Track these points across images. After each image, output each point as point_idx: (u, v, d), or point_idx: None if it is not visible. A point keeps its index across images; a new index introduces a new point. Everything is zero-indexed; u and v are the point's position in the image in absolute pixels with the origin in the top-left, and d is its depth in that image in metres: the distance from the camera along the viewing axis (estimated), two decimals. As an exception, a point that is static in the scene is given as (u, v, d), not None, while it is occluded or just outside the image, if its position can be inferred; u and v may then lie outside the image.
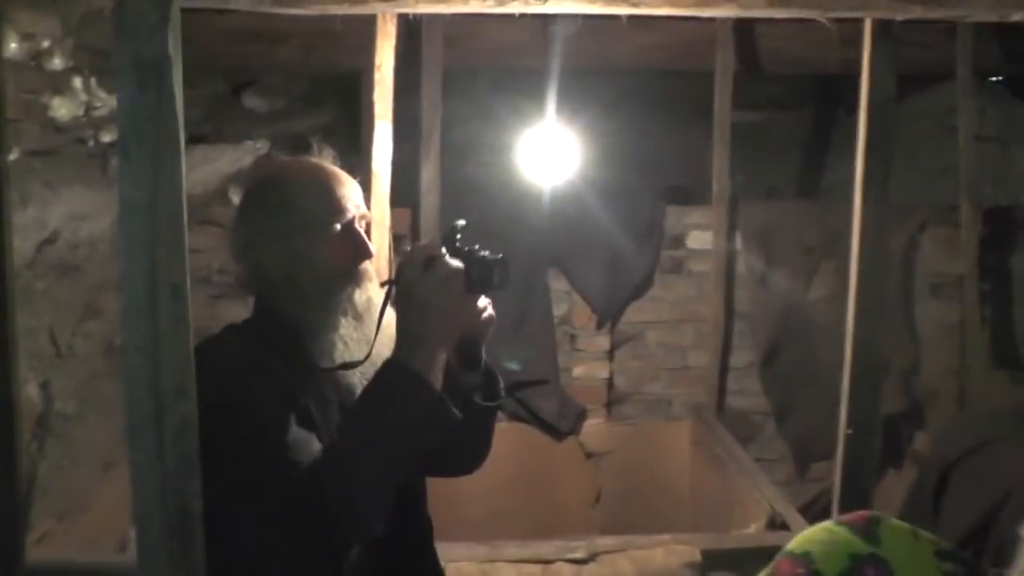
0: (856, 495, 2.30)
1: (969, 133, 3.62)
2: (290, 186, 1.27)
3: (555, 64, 3.45)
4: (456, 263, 1.19)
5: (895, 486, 3.87)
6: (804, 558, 0.88)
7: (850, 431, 2.23)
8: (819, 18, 1.69)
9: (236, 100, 4.34)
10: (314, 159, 1.33)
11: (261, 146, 3.72)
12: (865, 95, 2.11)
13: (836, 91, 4.21)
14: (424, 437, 1.14)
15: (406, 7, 1.77)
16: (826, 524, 0.93)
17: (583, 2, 1.75)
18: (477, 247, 1.23)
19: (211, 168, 3.49)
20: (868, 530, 0.91)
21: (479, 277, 1.21)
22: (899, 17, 1.72)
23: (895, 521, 0.92)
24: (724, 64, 3.62)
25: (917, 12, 1.68)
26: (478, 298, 1.24)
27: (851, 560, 0.87)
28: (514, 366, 3.54)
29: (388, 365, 1.15)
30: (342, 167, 1.33)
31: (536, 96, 3.43)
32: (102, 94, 3.16)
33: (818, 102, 4.41)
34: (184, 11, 1.00)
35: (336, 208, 1.26)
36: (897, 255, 3.81)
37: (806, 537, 0.91)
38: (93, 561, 2.54)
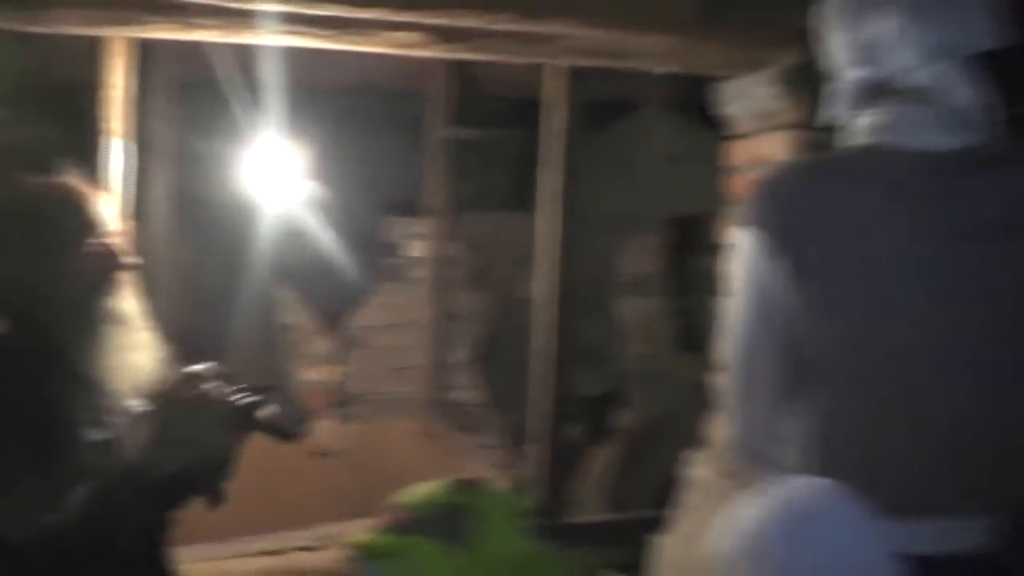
0: (554, 462, 2.70)
1: (661, 154, 4.23)
2: (42, 202, 1.36)
3: (278, 81, 3.59)
4: (222, 397, 1.22)
5: (602, 459, 4.40)
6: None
7: (542, 409, 2.61)
8: (510, 61, 2.01)
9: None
10: (61, 176, 1.42)
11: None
12: (548, 127, 2.48)
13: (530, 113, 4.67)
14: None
15: (140, 32, 1.87)
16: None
17: (291, 35, 1.91)
18: (245, 387, 1.26)
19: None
20: (468, 487, 1.25)
21: (242, 416, 1.23)
22: (581, 63, 2.07)
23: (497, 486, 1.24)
24: (439, 86, 3.94)
25: (595, 62, 2.03)
26: (236, 435, 1.25)
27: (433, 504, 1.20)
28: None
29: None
30: (84, 183, 1.43)
31: (269, 112, 3.55)
32: None
33: (533, 122, 4.86)
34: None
35: (89, 223, 1.37)
36: (603, 257, 4.34)
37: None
38: None
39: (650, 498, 3.27)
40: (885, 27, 1.16)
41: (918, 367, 1.13)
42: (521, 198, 4.87)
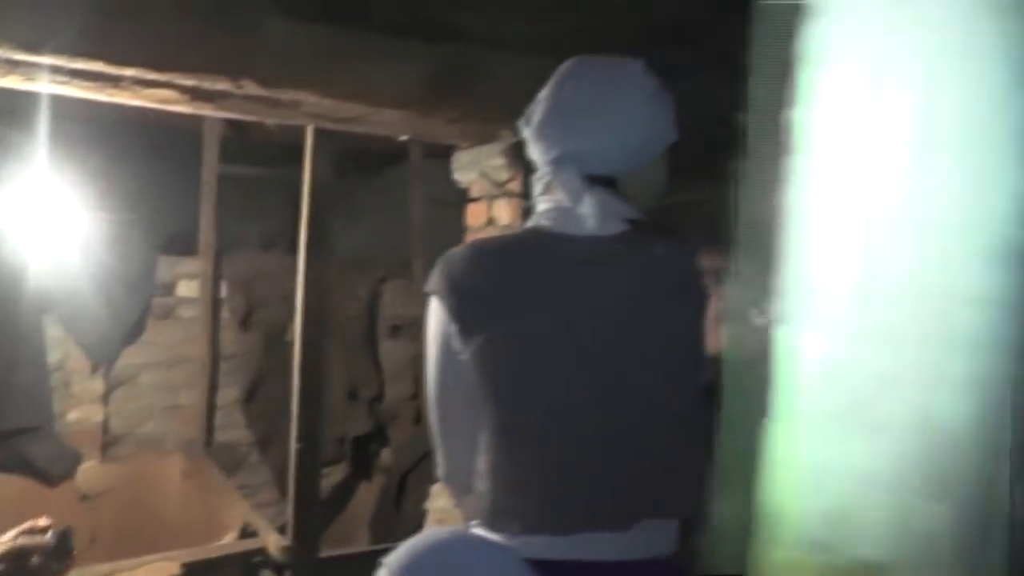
0: (308, 497, 2.83)
1: (420, 198, 4.46)
2: None
3: (49, 115, 3.55)
4: None
5: (367, 495, 4.55)
6: None
7: (299, 445, 2.75)
8: (263, 120, 2.19)
9: None
10: None
11: None
12: (308, 177, 2.67)
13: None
14: None
15: None
16: None
17: (58, 84, 2.01)
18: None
19: None
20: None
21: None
22: (324, 126, 2.28)
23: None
24: (211, 126, 4.03)
25: (337, 126, 2.26)
26: None
27: None
28: None
29: None
30: None
31: (38, 145, 3.49)
32: None
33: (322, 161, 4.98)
34: None
35: None
36: (363, 302, 4.52)
37: None
38: None
39: (410, 531, 3.47)
40: (556, 147, 1.43)
41: (570, 416, 1.39)
42: (290, 240, 4.99)
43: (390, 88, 1.91)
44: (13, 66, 1.89)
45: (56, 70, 1.92)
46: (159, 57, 1.84)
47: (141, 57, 1.83)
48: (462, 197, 2.44)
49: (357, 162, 4.39)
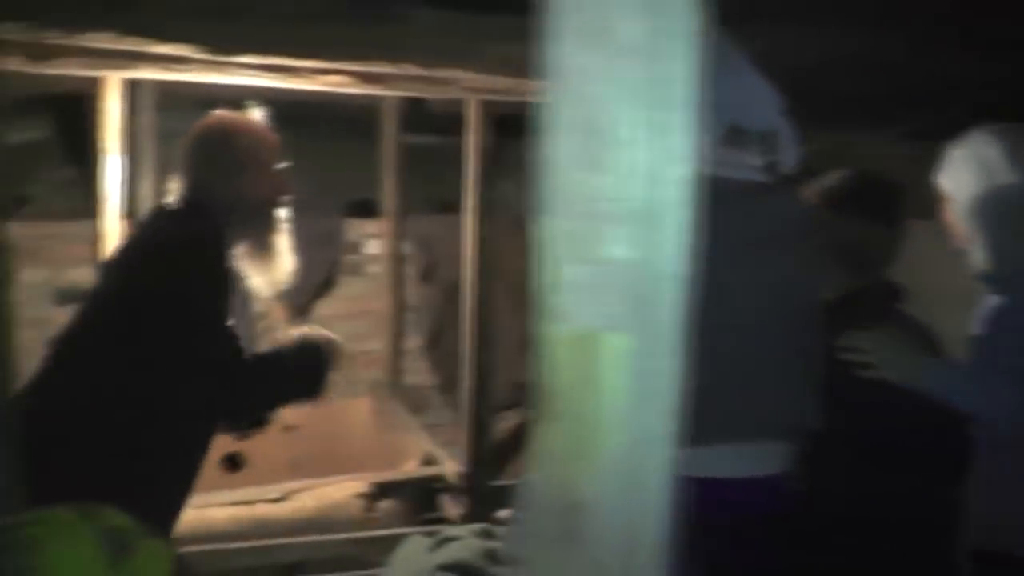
0: (483, 430, 3.17)
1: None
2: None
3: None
4: None
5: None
6: None
7: (470, 383, 3.09)
8: (421, 96, 2.50)
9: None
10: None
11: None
12: (472, 142, 2.96)
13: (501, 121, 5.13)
14: None
15: (128, 72, 2.35)
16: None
17: (253, 77, 2.39)
18: None
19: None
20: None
21: None
22: (481, 98, 2.57)
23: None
24: (389, 101, 4.40)
25: (494, 96, 2.53)
26: None
27: None
28: None
29: None
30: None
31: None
32: None
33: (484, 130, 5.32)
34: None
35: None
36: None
37: None
38: None
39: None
40: None
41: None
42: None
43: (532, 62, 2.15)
44: (224, 65, 2.29)
45: (251, 66, 2.30)
46: (327, 50, 2.18)
47: (314, 51, 2.18)
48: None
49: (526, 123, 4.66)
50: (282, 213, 2.11)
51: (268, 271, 2.18)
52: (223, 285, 1.96)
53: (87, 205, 4.53)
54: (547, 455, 0.76)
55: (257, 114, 2.13)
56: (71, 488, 1.30)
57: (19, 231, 4.05)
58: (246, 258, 2.13)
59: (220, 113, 2.11)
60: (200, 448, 1.99)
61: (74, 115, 4.48)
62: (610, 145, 0.69)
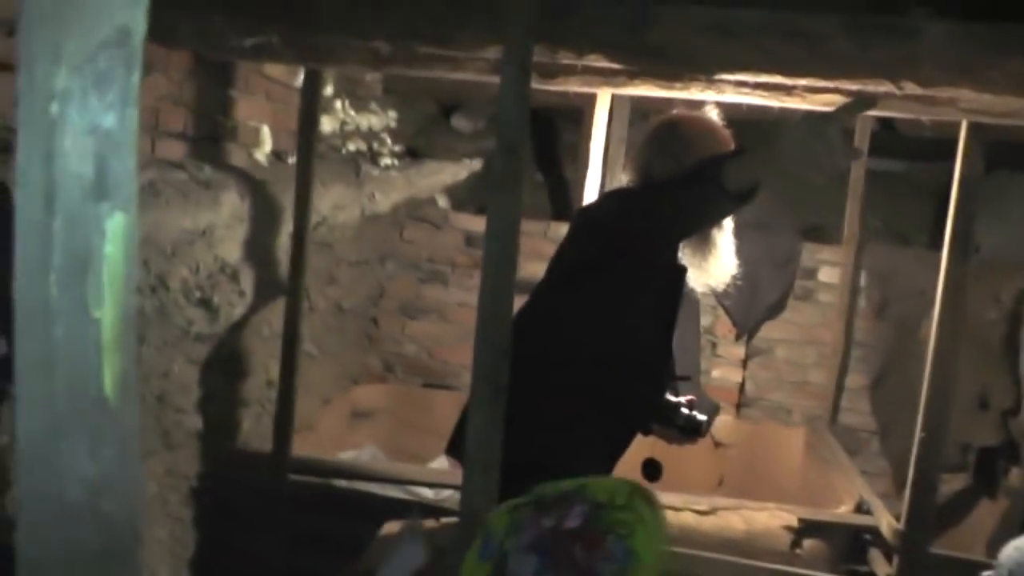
0: (927, 490, 2.90)
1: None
2: None
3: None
4: None
5: (988, 511, 4.36)
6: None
7: (923, 435, 2.84)
8: (915, 117, 2.34)
9: (444, 120, 5.23)
10: None
11: (476, 163, 4.57)
12: (958, 172, 2.72)
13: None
14: None
15: (625, 89, 2.52)
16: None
17: (742, 94, 2.42)
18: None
19: (435, 179, 4.36)
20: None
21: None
22: (978, 120, 2.35)
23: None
24: (862, 122, 4.22)
25: (991, 119, 2.30)
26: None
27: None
28: None
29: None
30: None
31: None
32: (352, 114, 4.09)
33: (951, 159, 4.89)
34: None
35: None
36: (1005, 306, 4.31)
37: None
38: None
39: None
40: None
41: None
42: (929, 235, 4.94)
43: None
44: (717, 82, 2.36)
45: (743, 84, 2.33)
46: (825, 68, 2.12)
47: (812, 70, 2.14)
48: None
49: (1009, 156, 4.20)
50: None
51: (707, 266, 2.18)
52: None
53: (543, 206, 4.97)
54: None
55: (712, 112, 2.23)
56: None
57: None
58: (687, 249, 2.17)
59: (676, 111, 2.29)
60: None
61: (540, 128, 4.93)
62: None
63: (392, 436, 4.46)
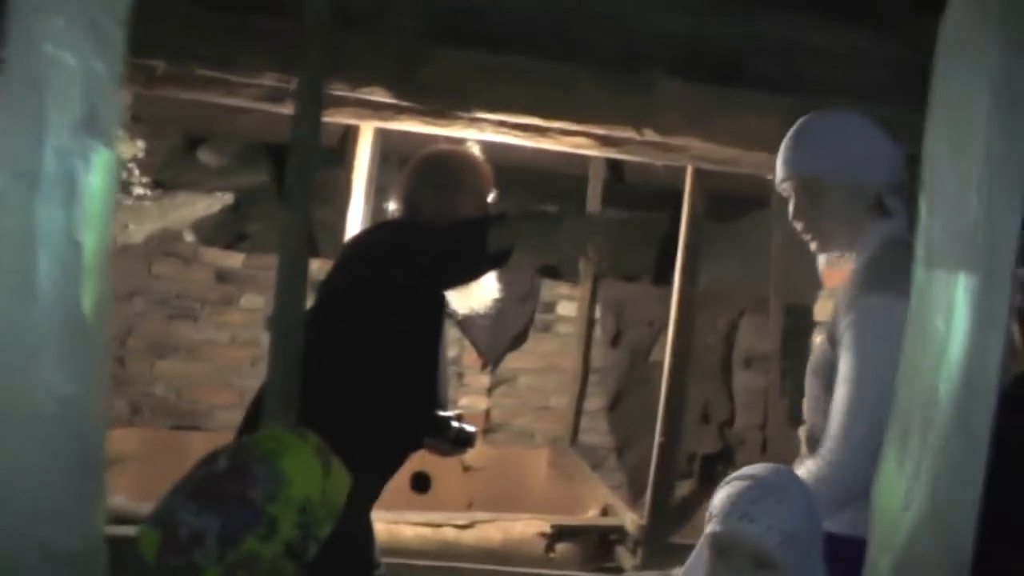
0: (666, 488, 3.26)
1: (781, 241, 4.77)
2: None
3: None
4: None
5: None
6: None
7: (662, 439, 3.21)
8: (651, 161, 2.71)
9: (191, 153, 5.11)
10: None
11: (227, 197, 4.52)
12: (685, 213, 3.13)
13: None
14: None
15: (392, 123, 2.68)
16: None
17: (497, 134, 2.65)
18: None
19: (188, 211, 4.27)
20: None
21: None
22: (706, 167, 2.75)
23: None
24: (595, 173, 4.66)
25: (717, 167, 2.71)
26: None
27: None
28: None
29: None
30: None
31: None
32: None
33: (675, 207, 5.52)
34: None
35: None
36: (720, 332, 4.92)
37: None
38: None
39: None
40: None
41: None
42: (653, 272, 5.53)
43: (762, 133, 2.33)
44: (470, 121, 2.58)
45: (500, 124, 2.58)
46: (578, 113, 2.42)
47: (565, 113, 2.43)
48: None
49: (722, 207, 4.82)
50: None
51: (469, 290, 2.32)
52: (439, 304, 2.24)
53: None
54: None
55: (473, 148, 2.37)
56: None
57: (243, 262, 4.56)
58: None
59: (438, 145, 2.40)
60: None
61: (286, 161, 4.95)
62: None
63: (142, 484, 4.24)
